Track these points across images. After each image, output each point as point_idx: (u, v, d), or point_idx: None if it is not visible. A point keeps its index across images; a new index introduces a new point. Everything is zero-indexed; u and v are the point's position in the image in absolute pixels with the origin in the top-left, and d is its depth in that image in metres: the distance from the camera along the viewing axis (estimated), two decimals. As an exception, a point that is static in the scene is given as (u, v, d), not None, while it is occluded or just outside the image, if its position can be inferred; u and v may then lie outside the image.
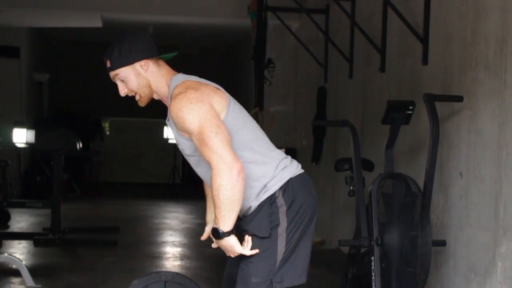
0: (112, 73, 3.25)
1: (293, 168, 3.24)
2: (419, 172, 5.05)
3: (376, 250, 4.60)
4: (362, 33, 6.52)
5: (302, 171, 3.28)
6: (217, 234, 3.10)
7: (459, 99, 4.75)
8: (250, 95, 12.29)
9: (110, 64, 3.23)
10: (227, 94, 3.22)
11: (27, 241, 7.98)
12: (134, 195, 13.01)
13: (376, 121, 5.70)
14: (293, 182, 3.20)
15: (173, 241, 8.57)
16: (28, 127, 10.20)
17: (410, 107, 4.82)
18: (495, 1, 4.44)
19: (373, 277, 4.57)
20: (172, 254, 7.72)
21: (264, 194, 3.17)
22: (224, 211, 3.04)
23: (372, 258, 4.60)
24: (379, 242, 4.59)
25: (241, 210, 3.16)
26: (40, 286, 5.86)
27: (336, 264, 6.58)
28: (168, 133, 13.64)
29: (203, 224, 3.66)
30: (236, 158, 3.03)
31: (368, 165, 5.63)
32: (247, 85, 13.11)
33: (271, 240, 3.14)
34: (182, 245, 8.21)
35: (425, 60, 5.42)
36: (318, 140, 8.47)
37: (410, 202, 4.61)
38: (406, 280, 4.58)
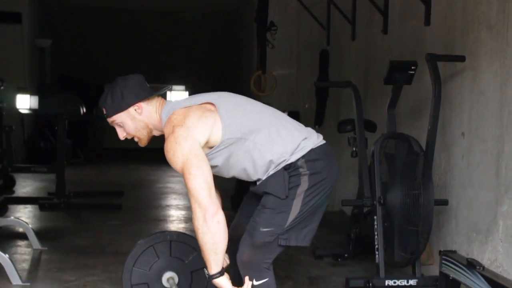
0: (109, 120, 3.29)
1: (314, 139, 3.26)
2: (421, 133, 5.07)
3: (379, 209, 4.64)
4: (365, -5, 6.50)
5: (324, 142, 3.30)
6: (207, 276, 3.17)
7: (461, 59, 4.75)
8: (253, 58, 12.28)
9: (106, 111, 3.26)
10: (218, 101, 3.20)
11: (33, 206, 8.05)
12: (137, 160, 13.05)
13: (378, 83, 5.71)
14: (316, 151, 3.22)
15: (177, 205, 8.62)
16: (31, 93, 10.17)
17: (412, 67, 4.84)
18: (498, -40, 4.42)
19: (376, 237, 4.62)
20: (176, 217, 7.76)
21: (280, 164, 3.17)
22: (207, 255, 3.10)
23: (375, 217, 4.64)
24: (382, 201, 4.63)
25: (250, 179, 3.23)
26: (46, 248, 5.94)
27: (338, 226, 6.62)
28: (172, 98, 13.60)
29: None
30: (211, 201, 3.06)
31: (370, 126, 5.65)
32: (250, 49, 13.07)
33: (288, 199, 3.16)
34: (186, 208, 8.24)
35: (427, 21, 5.40)
36: (321, 103, 8.47)
37: (413, 161, 4.63)
38: (408, 239, 4.61)
